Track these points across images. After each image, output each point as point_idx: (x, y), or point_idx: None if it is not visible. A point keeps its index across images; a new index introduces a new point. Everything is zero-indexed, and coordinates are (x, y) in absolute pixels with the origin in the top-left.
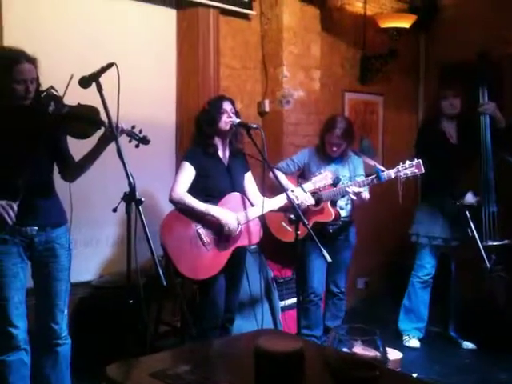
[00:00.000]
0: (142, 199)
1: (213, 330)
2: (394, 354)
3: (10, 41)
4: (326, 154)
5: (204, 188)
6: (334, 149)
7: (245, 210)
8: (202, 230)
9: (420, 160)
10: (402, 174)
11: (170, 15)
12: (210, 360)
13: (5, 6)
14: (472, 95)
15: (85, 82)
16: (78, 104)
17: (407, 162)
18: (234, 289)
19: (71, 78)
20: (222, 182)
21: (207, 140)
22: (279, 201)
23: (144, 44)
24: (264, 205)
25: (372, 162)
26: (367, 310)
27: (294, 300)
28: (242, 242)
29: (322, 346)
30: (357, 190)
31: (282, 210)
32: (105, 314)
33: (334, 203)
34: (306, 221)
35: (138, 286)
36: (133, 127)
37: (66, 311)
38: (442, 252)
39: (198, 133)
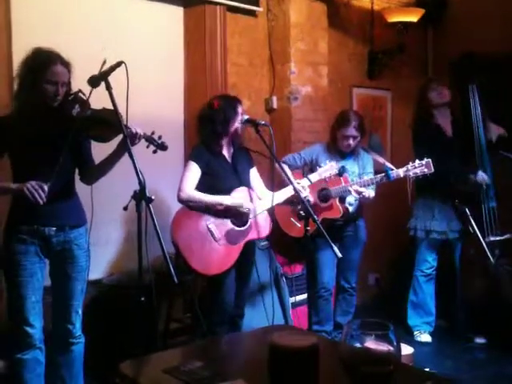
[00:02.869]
0: (152, 197)
1: (221, 324)
2: (405, 349)
3: (18, 40)
4: (337, 150)
5: (211, 186)
6: (350, 142)
7: (253, 204)
8: (212, 226)
9: (430, 159)
10: (411, 173)
11: (177, 13)
12: (223, 356)
13: (13, 4)
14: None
15: (94, 81)
16: (103, 108)
17: (417, 161)
18: (244, 283)
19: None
20: (228, 180)
21: (217, 139)
22: (285, 193)
23: (152, 42)
24: (273, 198)
25: (381, 160)
26: (378, 306)
27: (304, 296)
28: (253, 235)
29: (336, 341)
30: (360, 189)
31: (288, 201)
32: (116, 311)
33: (342, 200)
34: (315, 216)
35: (150, 284)
36: (152, 133)
37: (80, 311)
38: (444, 244)
39: (208, 131)
